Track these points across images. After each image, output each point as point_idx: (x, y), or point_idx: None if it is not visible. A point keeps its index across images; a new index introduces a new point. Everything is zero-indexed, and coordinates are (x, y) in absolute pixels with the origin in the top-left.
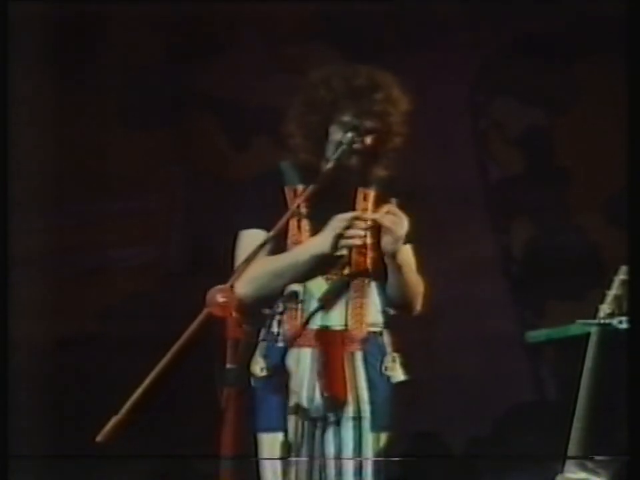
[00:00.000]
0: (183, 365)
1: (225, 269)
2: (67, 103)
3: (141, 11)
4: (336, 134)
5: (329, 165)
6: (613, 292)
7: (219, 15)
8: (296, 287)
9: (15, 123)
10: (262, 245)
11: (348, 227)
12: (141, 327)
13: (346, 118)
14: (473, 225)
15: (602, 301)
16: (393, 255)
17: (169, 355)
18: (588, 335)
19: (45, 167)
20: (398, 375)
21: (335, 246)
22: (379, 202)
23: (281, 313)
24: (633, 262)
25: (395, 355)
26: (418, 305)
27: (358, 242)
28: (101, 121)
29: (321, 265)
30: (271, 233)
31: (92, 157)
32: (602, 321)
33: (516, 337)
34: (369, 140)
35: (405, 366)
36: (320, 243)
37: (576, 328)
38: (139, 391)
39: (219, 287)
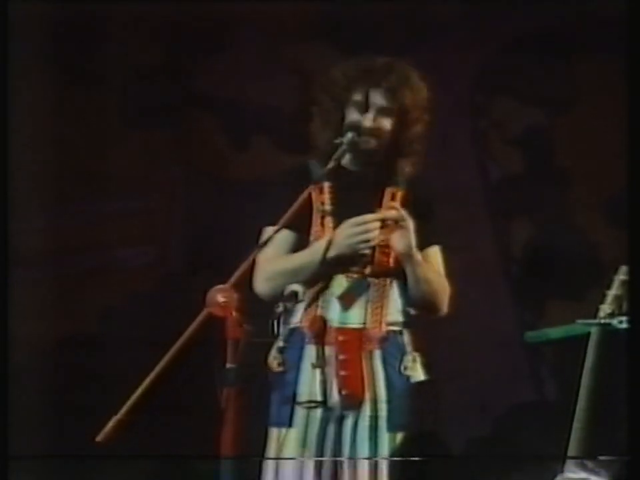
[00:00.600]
0: (182, 365)
1: (225, 269)
2: (67, 103)
3: (141, 11)
4: (350, 115)
5: (330, 165)
6: (612, 292)
7: (219, 15)
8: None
9: (14, 123)
10: (264, 243)
11: (360, 230)
12: (141, 327)
13: (358, 97)
14: (472, 225)
15: (602, 301)
16: (407, 254)
17: (168, 355)
18: (588, 334)
19: (45, 167)
20: (418, 374)
21: (348, 249)
22: (407, 202)
23: (289, 311)
24: (633, 262)
25: (417, 354)
26: (442, 307)
27: (369, 244)
28: (101, 121)
29: (334, 265)
30: (276, 228)
31: (92, 156)
32: (602, 321)
33: (516, 337)
34: (386, 123)
35: (425, 366)
36: (333, 245)
37: (576, 328)
38: (139, 390)
39: (219, 286)
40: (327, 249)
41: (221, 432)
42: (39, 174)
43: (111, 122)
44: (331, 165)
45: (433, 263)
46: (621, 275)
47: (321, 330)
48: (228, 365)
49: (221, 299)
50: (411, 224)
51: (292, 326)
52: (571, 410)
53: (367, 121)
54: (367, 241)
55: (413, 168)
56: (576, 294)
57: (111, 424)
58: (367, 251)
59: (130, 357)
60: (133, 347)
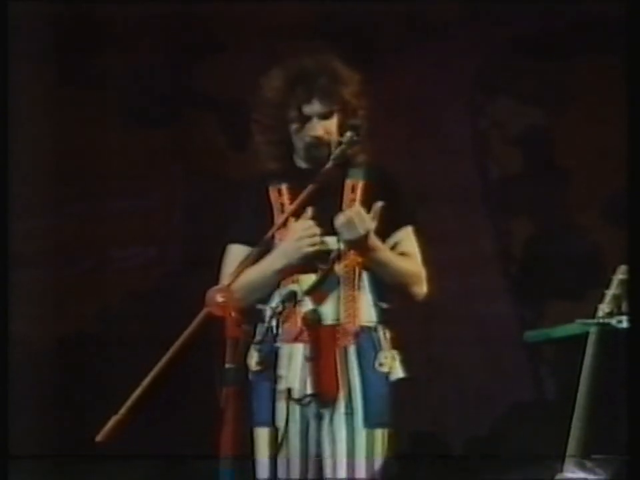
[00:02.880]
0: (182, 365)
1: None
2: (67, 103)
3: (142, 11)
4: (297, 133)
5: (328, 165)
6: (612, 291)
7: (219, 14)
8: (294, 286)
9: (15, 122)
10: (248, 257)
11: (305, 235)
12: (140, 327)
13: (296, 112)
14: (472, 225)
15: (601, 301)
16: (357, 242)
17: (168, 355)
18: (587, 334)
19: (45, 167)
20: (397, 372)
21: (296, 256)
22: (368, 192)
23: (276, 309)
24: (633, 262)
25: (395, 352)
26: (417, 290)
27: (315, 248)
28: (101, 121)
29: (288, 274)
30: (256, 249)
31: (92, 156)
32: (601, 321)
33: (515, 336)
34: (331, 124)
35: (405, 363)
36: (282, 256)
37: (575, 327)
38: (139, 390)
39: (218, 286)
40: (278, 258)
41: (221, 431)
42: (39, 174)
43: (111, 122)
44: (329, 164)
45: (406, 245)
46: (620, 275)
47: (295, 328)
48: (227, 365)
49: (219, 298)
50: (363, 223)
51: (268, 324)
52: (569, 409)
53: (317, 130)
54: (314, 244)
55: (367, 156)
56: (575, 293)
57: (110, 423)
58: (321, 249)
59: (129, 357)
60: (133, 346)
